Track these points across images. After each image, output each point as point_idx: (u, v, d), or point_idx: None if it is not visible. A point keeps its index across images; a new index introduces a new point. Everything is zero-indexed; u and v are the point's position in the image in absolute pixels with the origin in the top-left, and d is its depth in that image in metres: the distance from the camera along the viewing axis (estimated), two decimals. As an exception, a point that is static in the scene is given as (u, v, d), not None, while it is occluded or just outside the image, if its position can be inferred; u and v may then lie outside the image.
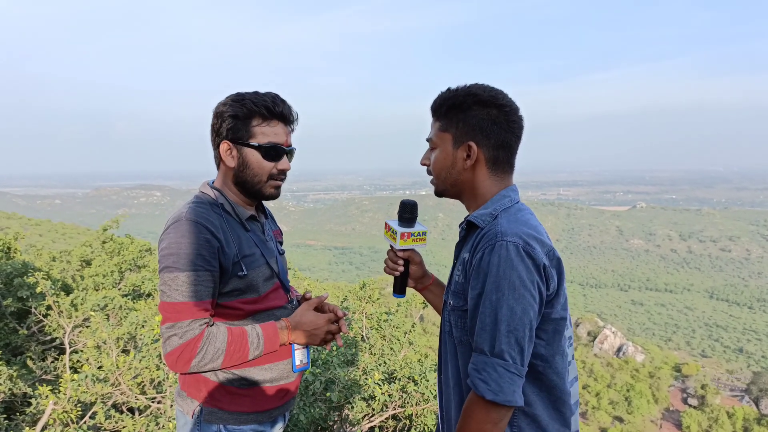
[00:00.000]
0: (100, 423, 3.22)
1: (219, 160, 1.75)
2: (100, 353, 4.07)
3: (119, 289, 7.12)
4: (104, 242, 8.90)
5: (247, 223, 1.75)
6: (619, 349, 55.96)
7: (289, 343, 1.75)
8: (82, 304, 5.39)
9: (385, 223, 1.78)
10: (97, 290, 6.92)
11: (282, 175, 1.76)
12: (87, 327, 5.03)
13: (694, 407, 44.48)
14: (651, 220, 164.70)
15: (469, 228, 1.57)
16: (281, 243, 1.97)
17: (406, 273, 1.81)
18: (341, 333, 1.85)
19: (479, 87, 1.56)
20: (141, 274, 7.69)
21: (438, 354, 1.64)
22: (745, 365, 63.57)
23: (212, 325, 1.61)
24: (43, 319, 5.20)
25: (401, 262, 1.78)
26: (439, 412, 1.67)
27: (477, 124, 1.54)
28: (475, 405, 1.35)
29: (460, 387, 1.51)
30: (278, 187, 1.77)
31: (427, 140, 1.67)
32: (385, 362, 4.25)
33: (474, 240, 1.49)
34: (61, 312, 4.92)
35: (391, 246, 1.77)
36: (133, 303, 6.05)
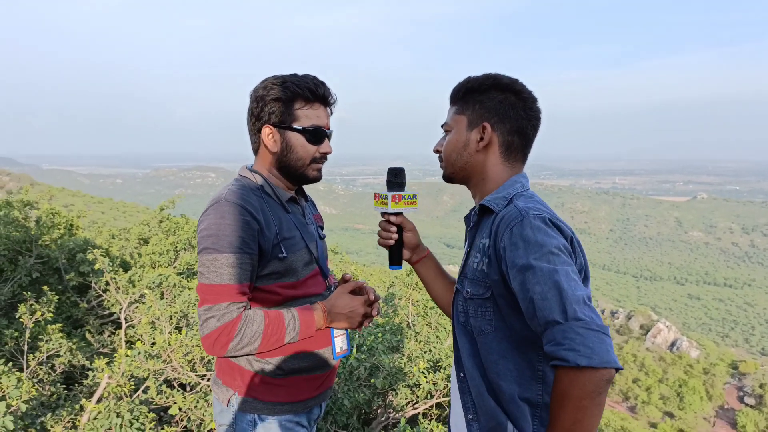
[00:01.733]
0: (152, 397, 3.33)
1: (258, 144, 1.72)
2: (154, 329, 4.21)
3: (174, 267, 7.34)
4: (161, 221, 9.17)
5: (288, 205, 1.73)
6: (672, 344, 54.22)
7: (327, 328, 1.71)
8: (138, 281, 5.58)
9: (374, 194, 1.76)
10: (153, 268, 7.15)
11: (324, 158, 1.74)
12: (142, 303, 5.21)
13: (751, 406, 42.75)
14: (712, 212, 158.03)
15: (481, 213, 1.54)
16: (322, 228, 1.94)
17: (401, 242, 1.78)
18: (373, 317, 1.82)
19: (498, 74, 1.55)
20: (195, 253, 7.91)
21: (454, 349, 1.56)
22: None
23: (249, 308, 1.59)
24: (102, 294, 5.41)
25: (394, 228, 1.75)
26: (453, 409, 1.59)
27: (494, 107, 1.52)
28: (567, 381, 1.18)
29: (486, 378, 1.44)
30: (320, 170, 1.76)
31: (442, 126, 1.64)
32: (430, 350, 4.22)
33: (491, 224, 1.45)
34: (119, 288, 5.11)
35: (382, 214, 1.76)
36: (187, 281, 6.24)
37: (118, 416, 2.96)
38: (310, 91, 1.65)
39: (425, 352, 4.15)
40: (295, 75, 1.67)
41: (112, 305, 5.27)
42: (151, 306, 3.93)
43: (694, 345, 53.83)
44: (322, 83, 1.68)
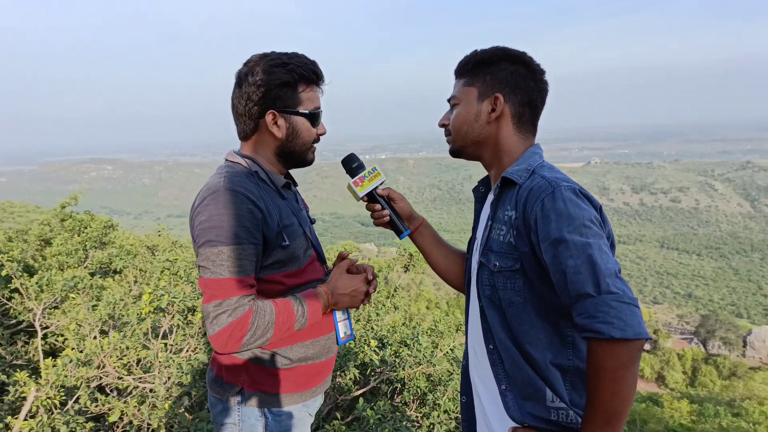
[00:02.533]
0: (86, 407, 3.11)
1: (253, 130, 1.64)
2: (77, 335, 3.92)
3: (86, 268, 6.87)
4: (63, 220, 8.55)
5: (283, 190, 1.67)
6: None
7: (331, 311, 1.68)
8: (47, 285, 5.17)
9: (347, 188, 1.79)
10: (62, 270, 6.65)
11: (319, 139, 1.71)
12: (57, 308, 4.83)
13: (647, 351, 46.68)
14: (605, 175, 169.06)
15: (503, 185, 1.52)
16: (307, 211, 1.89)
17: (396, 213, 1.81)
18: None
19: (507, 47, 1.54)
20: (107, 251, 7.43)
21: (481, 323, 1.55)
22: (693, 309, 66.86)
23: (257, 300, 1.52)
24: (7, 303, 4.97)
25: (379, 206, 1.78)
26: (477, 384, 1.59)
27: (505, 78, 1.52)
28: (602, 353, 1.20)
29: (521, 348, 1.44)
30: (315, 152, 1.73)
31: (449, 100, 1.62)
32: (372, 328, 4.24)
33: (514, 196, 1.44)
34: (29, 295, 4.71)
35: (361, 199, 1.79)
36: (103, 281, 5.86)
37: (53, 430, 2.74)
38: (314, 73, 1.60)
39: (367, 330, 4.16)
40: (289, 55, 1.59)
41: (20, 313, 4.86)
42: (78, 311, 3.65)
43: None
44: (315, 62, 1.63)
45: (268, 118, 1.60)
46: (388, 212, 1.78)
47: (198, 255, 1.49)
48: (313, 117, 1.63)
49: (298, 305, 1.54)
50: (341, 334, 1.74)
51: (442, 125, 1.64)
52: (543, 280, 1.38)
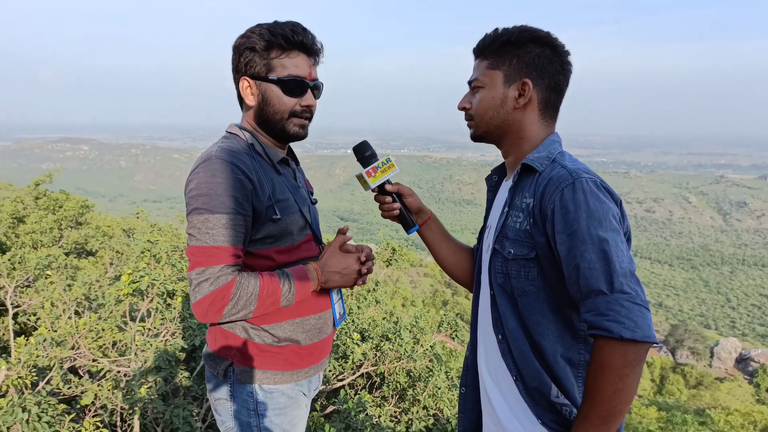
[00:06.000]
0: (59, 388, 3.03)
1: (241, 99, 1.62)
2: (51, 314, 3.82)
3: (61, 247, 6.71)
4: (37, 198, 8.35)
5: (279, 166, 1.63)
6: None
7: (321, 288, 1.62)
8: (20, 263, 5.04)
9: (357, 177, 1.73)
10: (35, 248, 6.48)
11: (307, 112, 1.61)
12: (29, 287, 4.71)
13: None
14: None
15: (522, 172, 1.48)
16: (312, 193, 1.84)
17: (406, 208, 1.76)
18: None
19: (532, 27, 1.48)
20: (83, 231, 7.27)
21: (491, 312, 1.52)
22: (663, 318, 68.06)
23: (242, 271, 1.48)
24: (-23, 280, 4.83)
25: (389, 199, 1.72)
26: (485, 375, 1.56)
27: (532, 62, 1.46)
28: (609, 351, 1.18)
29: (531, 339, 1.41)
30: (304, 126, 1.63)
31: (469, 82, 1.56)
32: (353, 320, 4.20)
33: (533, 184, 1.41)
34: (0, 272, 4.57)
35: (372, 190, 1.73)
36: (77, 261, 5.72)
37: (24, 410, 2.65)
38: (285, 38, 1.52)
39: (348, 324, 4.12)
40: (275, 22, 1.54)
41: (-9, 291, 4.72)
42: (54, 289, 3.55)
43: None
44: (303, 29, 1.55)
45: (242, 84, 1.57)
46: (399, 206, 1.73)
47: (187, 223, 1.47)
48: (286, 84, 1.55)
49: (285, 280, 1.50)
50: (337, 315, 1.71)
51: (462, 108, 1.58)
52: (558, 272, 1.35)
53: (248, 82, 1.56)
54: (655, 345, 1.21)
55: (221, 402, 1.60)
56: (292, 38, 1.53)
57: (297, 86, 1.56)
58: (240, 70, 1.56)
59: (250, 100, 1.58)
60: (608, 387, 1.19)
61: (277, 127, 1.60)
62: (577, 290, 1.26)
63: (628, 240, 1.37)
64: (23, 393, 2.88)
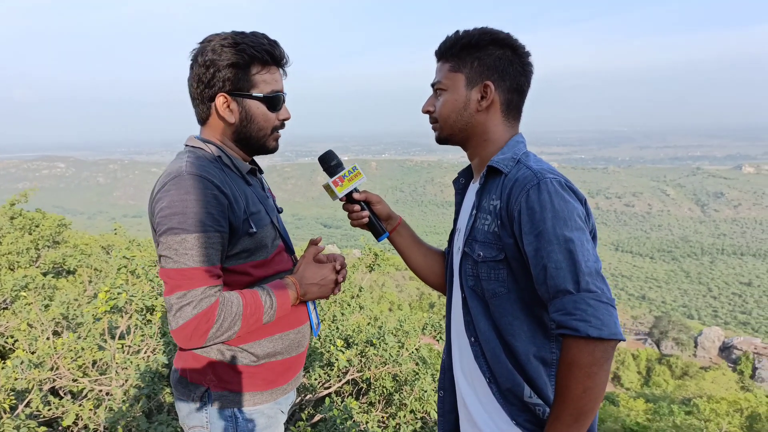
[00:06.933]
0: (38, 410, 2.97)
1: (208, 114, 1.55)
2: (29, 336, 3.75)
3: (38, 267, 6.60)
4: (12, 218, 8.21)
5: (248, 177, 1.60)
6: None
7: (300, 301, 1.59)
8: (-4, 285, 4.95)
9: (324, 187, 1.72)
10: (12, 269, 6.37)
11: (283, 125, 1.61)
12: (6, 309, 4.63)
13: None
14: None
15: (488, 174, 1.49)
16: (275, 200, 1.81)
17: (375, 215, 1.75)
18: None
19: (492, 29, 1.49)
20: (61, 249, 7.16)
21: (463, 314, 1.52)
22: (647, 311, 68.78)
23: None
24: (-48, 303, 4.73)
25: (358, 207, 1.71)
26: (460, 379, 1.56)
27: (493, 64, 1.47)
28: (576, 350, 1.20)
29: (502, 340, 1.42)
30: (278, 139, 1.62)
31: (433, 85, 1.57)
32: (337, 327, 4.19)
33: (500, 186, 1.42)
34: (-24, 295, 4.49)
35: (340, 200, 1.72)
36: (56, 280, 5.63)
37: (2, 436, 2.60)
38: (268, 53, 1.50)
39: (332, 330, 4.11)
40: (244, 34, 1.49)
41: (-34, 314, 4.63)
42: (30, 309, 3.49)
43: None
44: (276, 43, 1.53)
45: (219, 101, 1.50)
46: (368, 214, 1.72)
47: (159, 244, 1.39)
48: (270, 101, 1.53)
49: (266, 296, 1.47)
50: (314, 325, 1.69)
51: (426, 112, 1.59)
52: (527, 273, 1.36)
53: (226, 99, 1.50)
54: (623, 341, 1.22)
55: (197, 430, 1.53)
56: (274, 53, 1.51)
57: (278, 101, 1.55)
58: (214, 85, 1.49)
59: (230, 117, 1.52)
60: (577, 385, 1.21)
61: (258, 143, 1.58)
62: (545, 290, 1.28)
63: (594, 238, 1.39)
64: (1, 417, 2.83)
